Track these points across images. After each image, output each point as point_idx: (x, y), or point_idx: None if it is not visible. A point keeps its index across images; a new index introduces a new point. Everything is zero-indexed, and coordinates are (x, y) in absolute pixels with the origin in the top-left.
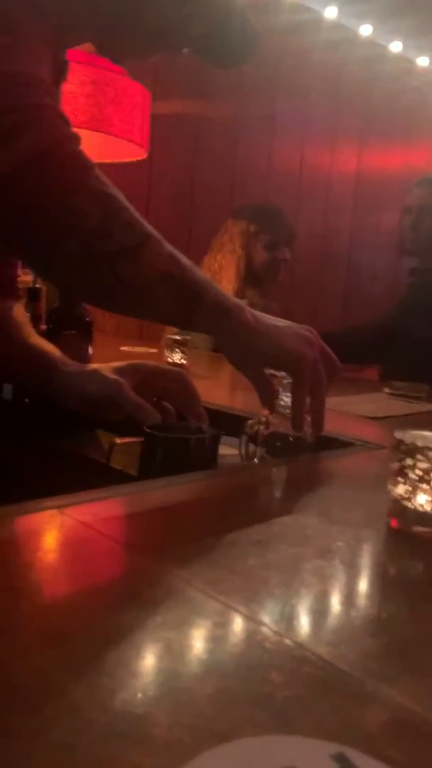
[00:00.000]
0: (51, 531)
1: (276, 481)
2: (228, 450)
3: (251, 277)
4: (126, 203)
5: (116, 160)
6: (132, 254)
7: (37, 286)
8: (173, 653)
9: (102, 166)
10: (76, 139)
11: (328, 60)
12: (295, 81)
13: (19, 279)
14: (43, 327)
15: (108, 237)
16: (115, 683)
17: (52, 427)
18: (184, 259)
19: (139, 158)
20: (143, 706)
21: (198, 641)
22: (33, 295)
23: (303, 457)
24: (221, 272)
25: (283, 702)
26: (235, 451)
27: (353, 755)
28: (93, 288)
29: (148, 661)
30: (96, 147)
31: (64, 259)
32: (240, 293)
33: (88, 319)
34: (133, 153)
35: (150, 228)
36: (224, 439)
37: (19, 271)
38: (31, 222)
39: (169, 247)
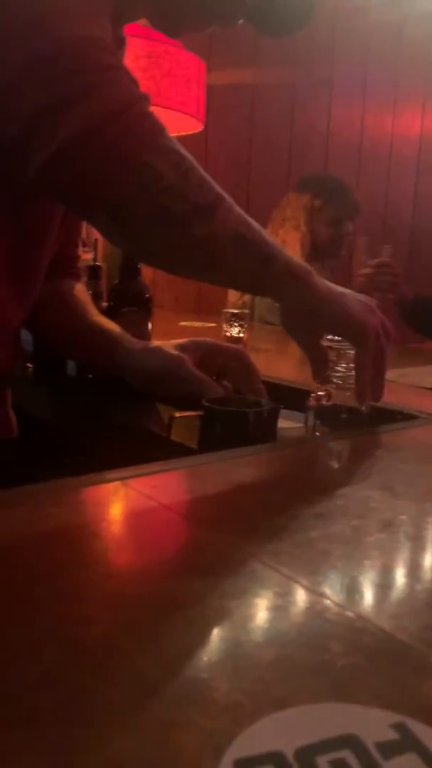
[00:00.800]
0: (115, 502)
1: (337, 453)
2: (287, 423)
3: (314, 252)
4: (197, 164)
5: (173, 134)
6: (205, 214)
7: (97, 264)
8: (234, 621)
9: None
10: (147, 99)
11: (386, 19)
12: (352, 43)
13: (79, 258)
14: (104, 304)
15: (182, 196)
16: (177, 649)
17: (113, 401)
18: (254, 223)
19: (195, 131)
20: (204, 671)
21: (259, 610)
22: (94, 273)
23: (364, 429)
24: (284, 247)
25: (341, 671)
26: (294, 425)
27: (413, 725)
28: (165, 249)
29: (209, 628)
30: None
31: (138, 219)
32: None
33: (147, 295)
34: (189, 125)
35: (221, 189)
36: (284, 412)
37: (80, 251)
38: (106, 181)
39: (239, 209)
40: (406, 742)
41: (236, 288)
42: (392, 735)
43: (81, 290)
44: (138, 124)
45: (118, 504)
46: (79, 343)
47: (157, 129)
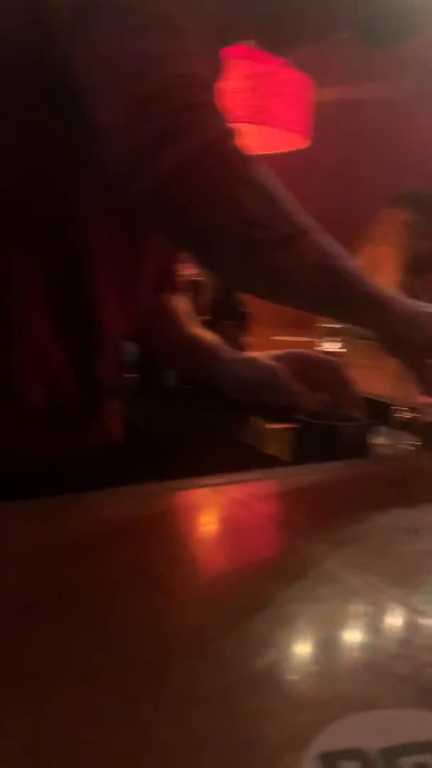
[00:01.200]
0: (208, 506)
1: (430, 470)
2: (382, 440)
3: (412, 269)
4: (284, 194)
5: (278, 151)
6: (289, 244)
7: (198, 278)
8: (323, 625)
9: (263, 157)
10: (233, 133)
11: None
12: None
13: (181, 273)
14: (204, 318)
15: (267, 227)
16: (266, 646)
17: (209, 412)
18: (341, 251)
19: (300, 147)
20: (290, 668)
21: (348, 617)
22: (194, 287)
23: None
24: (383, 264)
25: (428, 680)
26: (388, 441)
27: None
28: (251, 278)
29: (299, 629)
30: (257, 139)
31: (226, 249)
32: (403, 286)
33: (243, 309)
34: (294, 142)
35: (308, 218)
36: (379, 428)
37: (179, 266)
38: (196, 215)
39: (327, 237)
40: None
41: (325, 315)
42: None
43: (182, 302)
44: (224, 160)
45: (210, 508)
46: (178, 352)
47: (244, 162)
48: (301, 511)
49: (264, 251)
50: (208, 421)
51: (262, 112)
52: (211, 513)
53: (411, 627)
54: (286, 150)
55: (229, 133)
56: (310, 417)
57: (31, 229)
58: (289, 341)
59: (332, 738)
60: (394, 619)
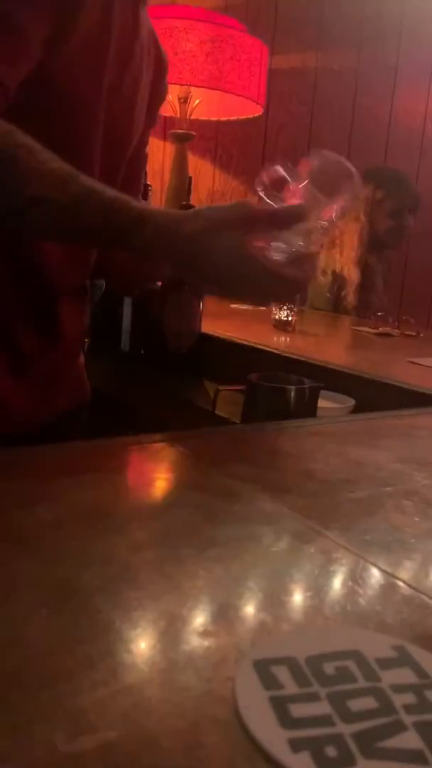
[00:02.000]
0: (158, 460)
1: (372, 431)
2: (328, 403)
3: (372, 243)
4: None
5: (233, 117)
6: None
7: None
8: (261, 557)
9: (220, 123)
10: None
11: None
12: (421, 28)
13: None
14: (158, 284)
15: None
16: (215, 577)
17: (163, 375)
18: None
19: (255, 114)
20: (237, 596)
21: (286, 555)
22: None
23: (405, 411)
24: (342, 238)
25: (349, 601)
26: (335, 405)
27: (411, 648)
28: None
29: (240, 563)
30: (214, 104)
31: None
32: (361, 259)
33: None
34: (250, 109)
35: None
36: (326, 393)
37: None
38: None
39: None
40: (403, 660)
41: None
42: (391, 654)
43: None
44: None
45: (161, 462)
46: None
47: None
48: (245, 463)
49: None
50: (160, 385)
51: (218, 77)
52: (161, 465)
53: (338, 562)
54: (241, 116)
55: None
56: (260, 381)
57: None
58: (246, 309)
59: (265, 648)
60: (322, 554)
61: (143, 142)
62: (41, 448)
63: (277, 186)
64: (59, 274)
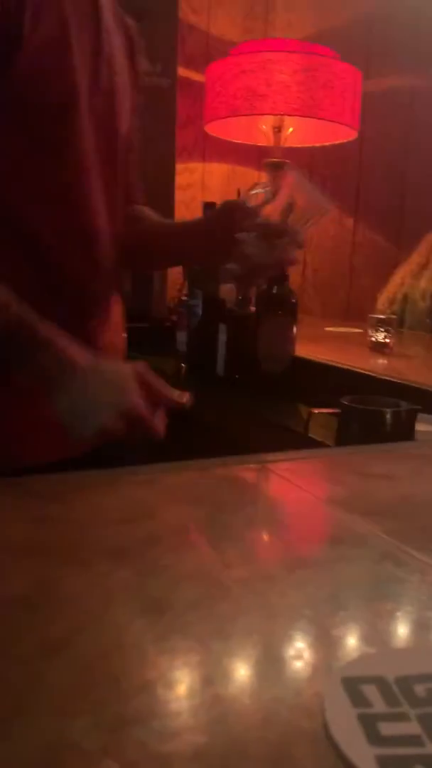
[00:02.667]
0: (251, 480)
1: None
2: (426, 427)
3: None
4: None
5: (328, 143)
6: None
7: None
8: (354, 581)
9: (314, 149)
10: None
11: None
12: None
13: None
14: (252, 309)
15: None
16: (304, 595)
17: (257, 398)
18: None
19: (349, 139)
20: (327, 613)
21: (376, 578)
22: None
23: None
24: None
25: None
26: None
27: None
28: None
29: (333, 585)
30: (308, 131)
31: None
32: None
33: (293, 300)
34: (344, 134)
35: None
36: (424, 416)
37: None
38: None
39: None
40: None
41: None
42: None
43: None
44: None
45: (254, 482)
46: (166, 242)
47: None
48: (338, 486)
49: None
50: (255, 408)
51: (311, 105)
52: (253, 487)
53: (427, 583)
54: (335, 142)
55: None
56: (354, 403)
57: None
58: (341, 332)
59: (354, 666)
60: (414, 576)
61: (132, 146)
62: (139, 468)
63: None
64: (98, 218)
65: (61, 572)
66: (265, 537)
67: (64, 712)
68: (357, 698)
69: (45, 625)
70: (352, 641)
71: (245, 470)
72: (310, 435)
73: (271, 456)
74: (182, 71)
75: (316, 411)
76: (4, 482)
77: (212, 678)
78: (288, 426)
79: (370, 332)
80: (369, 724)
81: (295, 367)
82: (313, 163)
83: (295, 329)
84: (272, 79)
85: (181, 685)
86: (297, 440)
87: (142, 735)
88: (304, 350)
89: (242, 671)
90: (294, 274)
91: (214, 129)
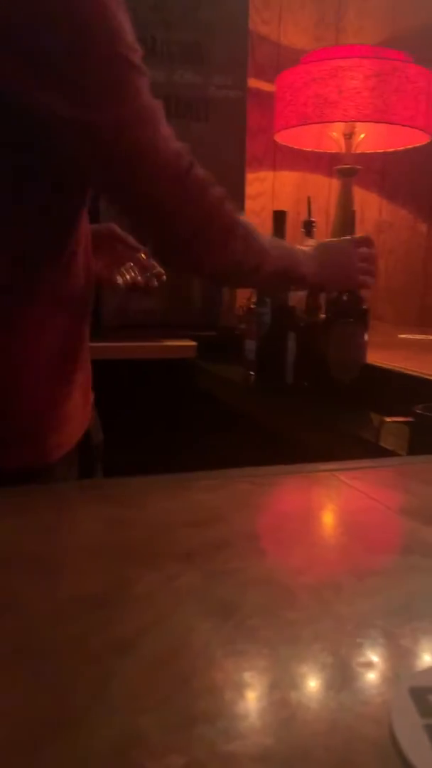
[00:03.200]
0: (324, 489)
1: None
2: None
3: None
4: (250, 226)
5: (400, 147)
6: (256, 270)
7: None
8: (420, 590)
9: (386, 154)
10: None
11: None
12: None
13: None
14: (322, 316)
15: (246, 264)
16: (372, 604)
17: (327, 407)
18: (280, 246)
19: (423, 143)
20: (394, 623)
21: None
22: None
23: None
24: None
25: None
26: None
27: None
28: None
29: (401, 593)
30: (380, 136)
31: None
32: None
33: (364, 307)
34: (417, 138)
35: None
36: None
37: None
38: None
39: (269, 242)
40: None
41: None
42: None
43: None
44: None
45: (323, 490)
46: None
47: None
48: (410, 495)
49: (245, 277)
50: (325, 416)
51: (383, 110)
52: (324, 494)
53: None
54: (408, 146)
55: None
56: (428, 411)
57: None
58: (415, 339)
59: (422, 676)
60: None
61: None
62: (209, 474)
63: None
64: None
65: (132, 573)
66: (334, 545)
67: (132, 709)
68: (425, 708)
69: (116, 624)
70: (421, 651)
71: (314, 478)
72: (381, 444)
73: (340, 464)
74: (252, 82)
75: (388, 420)
76: (81, 485)
77: (279, 682)
78: (359, 435)
79: None
80: None
81: (367, 375)
82: (386, 168)
83: (366, 336)
84: (343, 85)
85: (248, 687)
86: (368, 449)
87: (208, 734)
88: (376, 357)
89: (309, 677)
90: None
91: (284, 138)
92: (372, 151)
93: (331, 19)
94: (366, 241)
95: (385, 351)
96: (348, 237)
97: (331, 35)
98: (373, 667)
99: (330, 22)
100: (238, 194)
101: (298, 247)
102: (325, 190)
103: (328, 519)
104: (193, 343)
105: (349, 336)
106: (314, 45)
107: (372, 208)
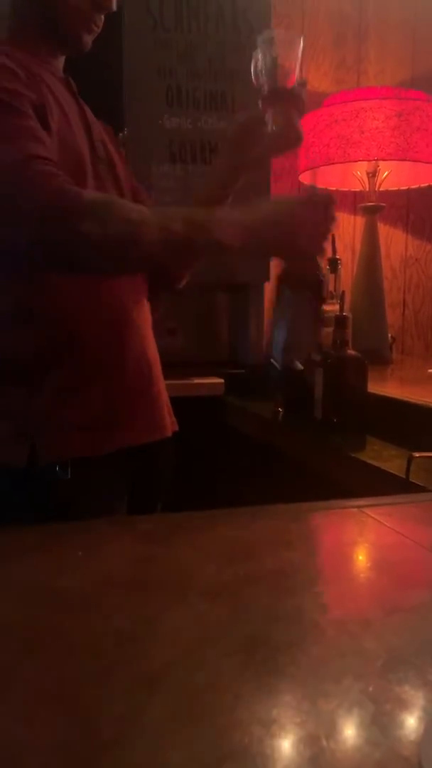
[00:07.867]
0: (351, 524)
1: None
2: None
3: None
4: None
5: (424, 184)
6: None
7: (344, 314)
8: None
9: (411, 190)
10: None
11: None
12: None
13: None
14: (350, 352)
15: (111, 243)
16: (400, 639)
17: (356, 442)
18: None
19: None
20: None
21: None
22: (340, 322)
23: None
24: None
25: None
26: None
27: None
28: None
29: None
30: (403, 173)
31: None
32: None
33: (320, 278)
34: None
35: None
36: None
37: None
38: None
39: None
40: None
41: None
42: None
43: None
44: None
45: (355, 526)
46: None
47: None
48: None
49: (120, 254)
50: (354, 452)
51: (405, 149)
52: (351, 530)
53: None
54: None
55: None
56: None
57: None
58: None
59: None
60: None
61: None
62: (237, 510)
63: None
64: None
65: (161, 608)
66: (362, 580)
67: (161, 745)
68: None
69: (145, 659)
70: None
71: (343, 514)
72: (410, 479)
73: (369, 500)
74: None
75: (417, 455)
76: (113, 522)
77: (306, 719)
78: (388, 470)
79: None
80: None
81: (397, 410)
82: (410, 204)
83: (321, 313)
84: (365, 126)
85: (275, 724)
86: (397, 484)
87: None
88: (405, 392)
89: (337, 713)
90: (394, 316)
91: (308, 178)
92: (396, 188)
93: (352, 62)
94: (322, 201)
95: (415, 386)
96: (298, 197)
97: (352, 78)
98: (401, 704)
99: (351, 65)
100: None
101: (221, 211)
102: (350, 227)
103: (357, 555)
104: (221, 381)
105: (297, 311)
106: (336, 88)
107: (398, 244)
